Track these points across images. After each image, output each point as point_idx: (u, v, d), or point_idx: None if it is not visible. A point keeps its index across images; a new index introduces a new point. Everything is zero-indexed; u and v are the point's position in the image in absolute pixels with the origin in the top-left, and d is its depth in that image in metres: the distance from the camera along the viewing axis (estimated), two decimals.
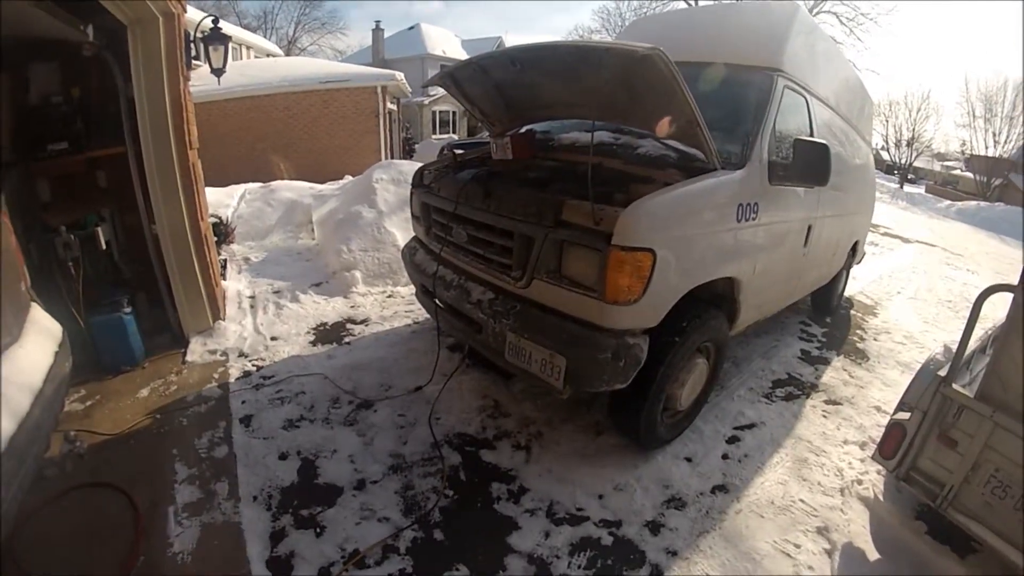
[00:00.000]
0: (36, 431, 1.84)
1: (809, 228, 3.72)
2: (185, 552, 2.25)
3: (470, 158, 3.76)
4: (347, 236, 5.78)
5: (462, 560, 2.29)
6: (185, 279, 3.91)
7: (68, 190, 3.83)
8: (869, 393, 4.06)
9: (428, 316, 4.11)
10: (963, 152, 36.33)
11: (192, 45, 4.00)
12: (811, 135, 3.62)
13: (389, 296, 5.19)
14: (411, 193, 3.74)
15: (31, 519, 2.29)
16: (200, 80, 7.07)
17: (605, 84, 2.72)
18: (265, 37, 31.38)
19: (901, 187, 30.79)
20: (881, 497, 2.88)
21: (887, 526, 2.71)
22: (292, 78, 13.85)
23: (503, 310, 2.75)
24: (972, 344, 2.60)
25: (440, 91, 23.35)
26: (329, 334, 4.34)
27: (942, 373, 2.47)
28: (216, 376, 3.60)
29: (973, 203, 23.63)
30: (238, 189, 8.00)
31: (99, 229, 3.61)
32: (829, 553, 2.50)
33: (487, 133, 4.18)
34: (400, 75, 15.73)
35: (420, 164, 4.08)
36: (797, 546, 2.51)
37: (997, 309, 2.67)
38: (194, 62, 3.99)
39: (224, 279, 4.98)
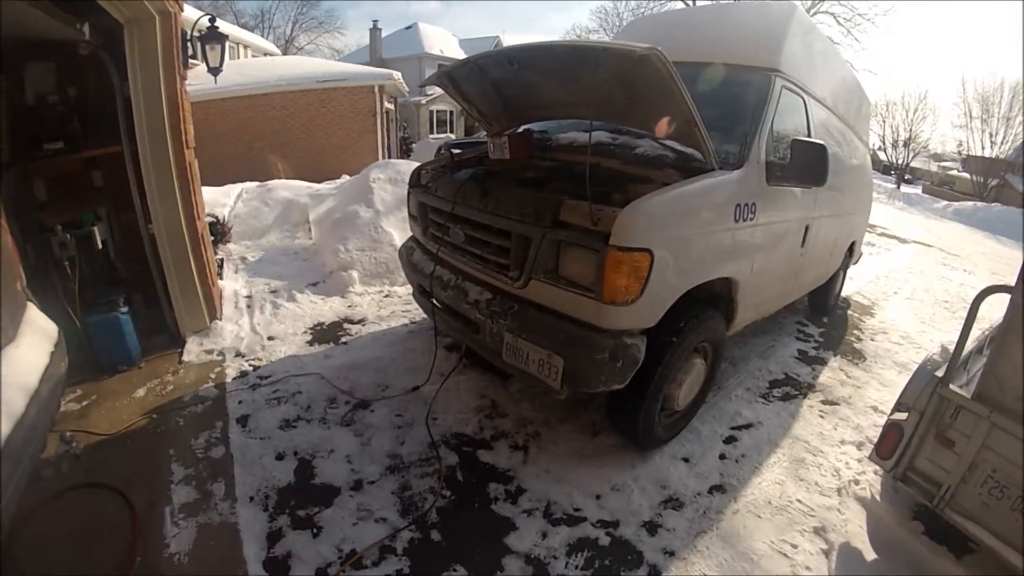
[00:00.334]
0: (32, 432, 1.83)
1: (806, 228, 3.73)
2: (182, 553, 2.24)
3: (467, 158, 3.75)
4: (344, 236, 5.77)
5: (459, 561, 2.29)
6: (182, 278, 3.90)
7: (64, 189, 3.82)
8: (866, 393, 4.07)
9: (425, 316, 4.10)
10: (960, 153, 36.49)
11: (189, 44, 4.00)
12: (808, 135, 3.62)
13: (386, 296, 5.19)
14: (408, 193, 3.73)
15: (28, 520, 2.28)
16: (197, 79, 7.04)
17: (603, 84, 2.72)
18: (262, 36, 31.37)
19: (898, 187, 30.91)
20: (878, 497, 2.88)
21: (884, 526, 2.72)
22: (289, 77, 13.81)
23: (501, 310, 2.75)
24: (969, 345, 2.60)
25: (437, 91, 23.30)
26: (326, 334, 4.33)
27: (939, 374, 2.48)
28: (213, 376, 3.59)
29: (970, 203, 23.72)
30: (235, 188, 7.99)
31: (95, 228, 3.59)
32: (826, 553, 2.51)
33: (484, 133, 4.18)
34: (397, 74, 15.71)
35: (417, 164, 4.07)
36: (794, 546, 2.51)
37: (994, 310, 2.68)
38: (191, 61, 3.99)
39: (221, 279, 4.97)
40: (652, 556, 2.38)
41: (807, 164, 3.00)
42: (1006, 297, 2.24)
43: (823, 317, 5.59)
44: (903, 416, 2.61)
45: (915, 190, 32.05)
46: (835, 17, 26.39)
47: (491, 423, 3.22)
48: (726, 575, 2.34)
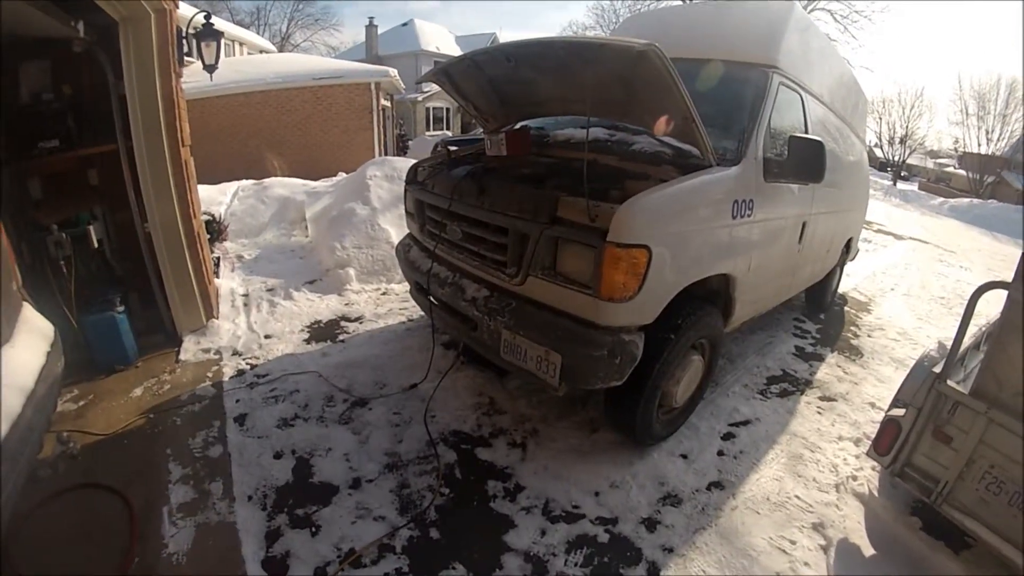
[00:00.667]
0: (28, 432, 1.82)
1: (804, 225, 3.73)
2: (180, 553, 2.23)
3: (464, 154, 3.75)
4: (341, 233, 5.76)
5: (458, 559, 2.29)
6: (178, 277, 3.89)
7: (60, 188, 3.80)
8: (863, 389, 4.08)
9: (423, 313, 4.10)
10: (956, 149, 36.59)
11: (184, 41, 3.97)
12: (806, 132, 3.62)
13: (383, 293, 5.18)
14: (405, 190, 3.72)
15: (25, 521, 2.27)
16: (192, 76, 7.03)
17: (600, 80, 2.71)
18: (258, 33, 31.22)
19: (894, 184, 30.95)
20: (876, 493, 2.89)
21: (882, 522, 2.72)
22: (285, 74, 13.78)
23: (498, 307, 2.74)
24: (966, 341, 2.60)
25: (434, 88, 23.34)
26: (323, 332, 4.33)
27: (937, 370, 2.48)
28: (210, 375, 3.58)
29: (966, 200, 23.81)
30: (231, 186, 7.97)
31: (91, 227, 3.58)
32: (824, 549, 2.51)
33: (481, 130, 4.17)
34: (394, 71, 15.67)
35: (414, 161, 4.07)
36: (793, 542, 2.52)
37: (991, 306, 2.68)
38: (186, 58, 3.97)
39: (217, 277, 4.96)
40: (651, 553, 2.39)
41: (804, 161, 3.00)
42: (1003, 293, 2.24)
43: (820, 313, 5.60)
44: (901, 412, 2.61)
45: (911, 187, 32.14)
46: (832, 14, 26.36)
47: (489, 420, 3.22)
48: (725, 572, 2.34)
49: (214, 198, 7.14)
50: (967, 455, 2.33)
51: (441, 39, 32.92)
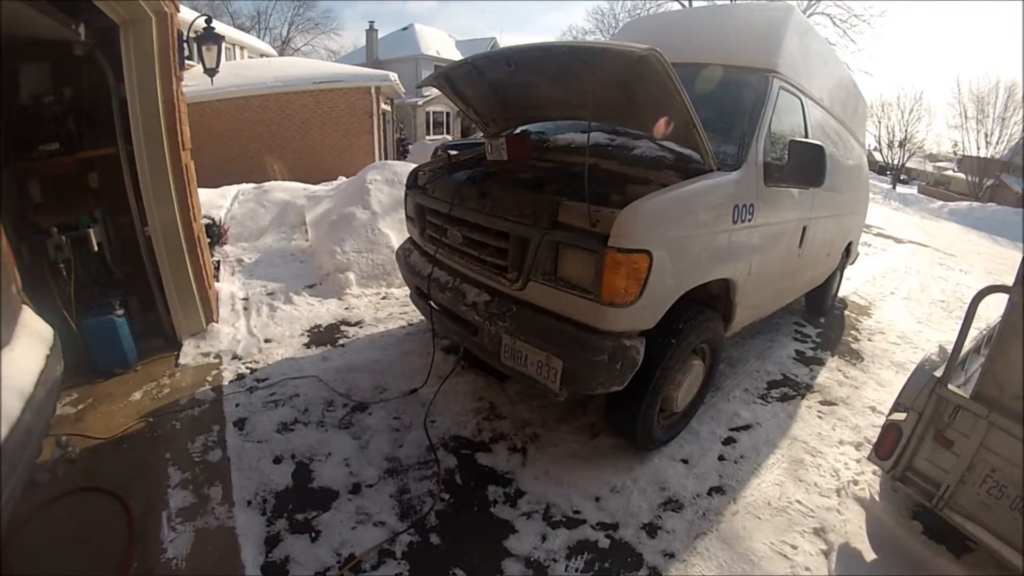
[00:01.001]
0: (27, 436, 1.82)
1: (804, 229, 3.73)
2: (179, 558, 2.22)
3: (465, 159, 3.75)
4: (341, 237, 5.76)
5: (459, 564, 2.28)
6: (178, 281, 3.89)
7: (60, 191, 3.80)
8: (864, 394, 4.07)
9: (423, 318, 4.09)
10: (955, 153, 36.62)
11: (185, 45, 3.97)
12: (806, 136, 3.63)
13: (383, 298, 5.17)
14: (406, 194, 3.72)
15: (24, 525, 2.26)
16: (193, 80, 7.05)
17: (601, 85, 2.71)
18: (259, 37, 31.30)
19: (894, 188, 31.04)
20: (877, 497, 2.88)
21: (883, 526, 2.72)
22: (286, 78, 13.80)
23: (499, 312, 2.74)
24: (967, 344, 2.60)
25: (434, 92, 23.31)
26: (323, 336, 4.32)
27: (938, 374, 2.48)
28: (209, 379, 3.57)
29: (965, 203, 23.82)
30: (231, 190, 7.96)
31: (91, 230, 3.57)
32: (826, 554, 2.51)
33: (481, 134, 4.17)
34: (394, 76, 15.70)
35: (414, 165, 4.07)
36: (794, 547, 2.51)
37: (991, 309, 2.68)
38: (187, 62, 3.97)
39: (217, 281, 4.95)
40: (652, 558, 2.38)
41: (805, 165, 3.00)
42: (1003, 297, 2.24)
43: (820, 317, 5.60)
44: (901, 416, 2.61)
45: (911, 190, 32.17)
46: (831, 18, 26.54)
47: (489, 425, 3.22)
48: None
49: (214, 202, 7.14)
50: (968, 459, 2.33)
51: (441, 43, 32.97)
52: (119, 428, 3.02)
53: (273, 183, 8.77)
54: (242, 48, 20.22)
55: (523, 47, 2.89)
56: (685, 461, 3.03)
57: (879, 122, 36.19)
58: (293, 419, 3.18)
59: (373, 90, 14.66)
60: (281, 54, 31.42)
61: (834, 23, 26.54)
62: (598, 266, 2.32)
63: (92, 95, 3.80)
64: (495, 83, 3.51)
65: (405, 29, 33.15)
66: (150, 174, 3.63)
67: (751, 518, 2.67)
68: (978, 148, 32.40)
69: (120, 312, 3.53)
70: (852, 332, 5.43)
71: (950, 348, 2.50)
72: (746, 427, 3.42)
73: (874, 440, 2.76)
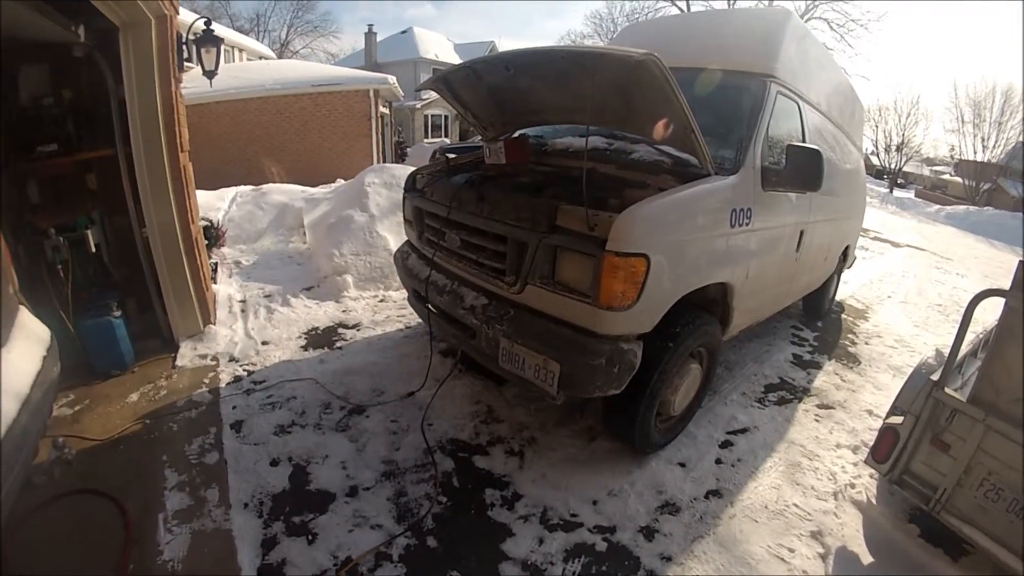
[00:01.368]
0: (24, 437, 1.81)
1: (801, 233, 3.74)
2: (175, 560, 2.22)
3: (463, 162, 3.75)
4: (339, 240, 5.75)
5: (456, 567, 2.27)
6: (175, 283, 3.88)
7: (58, 192, 3.79)
8: (861, 397, 4.08)
9: (420, 321, 4.09)
10: (952, 157, 36.81)
11: (184, 47, 3.97)
12: (803, 141, 3.64)
13: (381, 300, 5.17)
14: (404, 197, 3.73)
15: (20, 527, 2.25)
16: (192, 82, 7.04)
17: (599, 89, 2.72)
18: (257, 40, 31.35)
19: (891, 191, 31.11)
20: (874, 501, 2.89)
21: (880, 529, 2.72)
22: (284, 81, 13.81)
23: (497, 315, 2.74)
24: (964, 348, 2.61)
25: (432, 95, 23.40)
26: (320, 339, 4.32)
27: (935, 377, 2.49)
28: (206, 381, 3.57)
29: (962, 207, 23.91)
30: (229, 192, 7.96)
31: (89, 232, 3.56)
32: (823, 557, 2.51)
33: (480, 137, 4.18)
34: (392, 79, 15.72)
35: (412, 168, 4.07)
36: (791, 550, 2.51)
37: (987, 313, 2.69)
38: (186, 64, 3.97)
39: (215, 283, 4.95)
40: (649, 562, 2.38)
41: (802, 169, 3.01)
42: (1000, 300, 2.25)
43: (818, 321, 5.61)
44: (898, 420, 2.62)
45: (908, 194, 32.25)
46: (829, 23, 26.71)
47: (487, 428, 3.21)
48: None
49: (212, 204, 7.14)
50: (965, 462, 2.34)
51: (440, 47, 33.02)
52: (116, 430, 3.01)
53: (271, 185, 8.78)
54: (241, 50, 20.25)
55: (522, 51, 2.90)
56: (682, 465, 3.03)
57: (876, 126, 36.43)
58: (290, 421, 3.17)
59: (372, 93, 14.68)
60: (280, 56, 31.45)
61: (831, 28, 26.74)
62: (596, 270, 2.33)
63: (91, 97, 3.79)
64: (494, 87, 3.52)
65: (404, 33, 33.21)
66: (148, 176, 3.62)
67: (748, 521, 2.67)
68: (975, 152, 32.64)
69: (117, 313, 3.52)
70: (849, 336, 5.45)
71: (947, 352, 2.51)
72: (743, 431, 3.42)
73: (871, 443, 2.77)
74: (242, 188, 8.35)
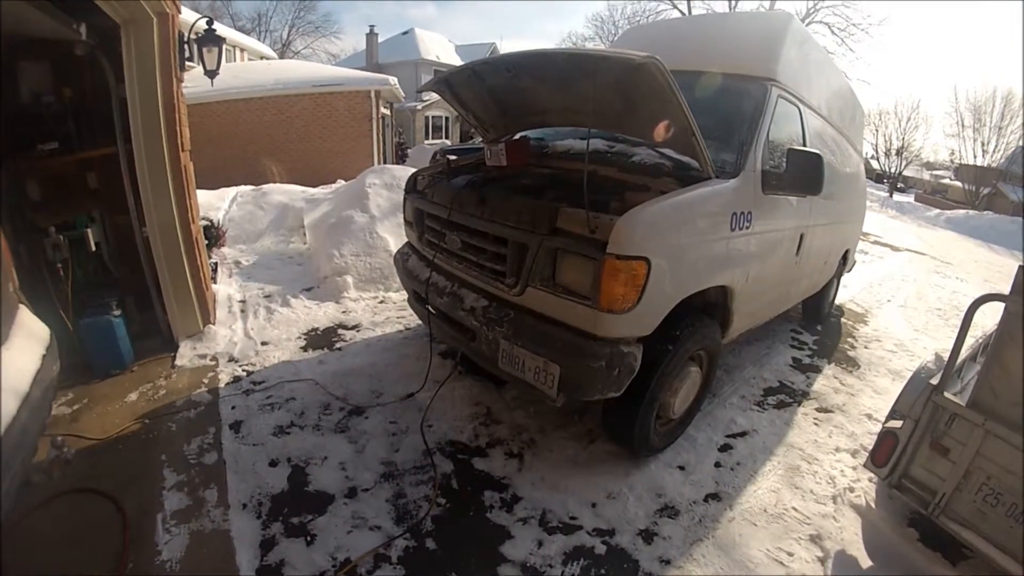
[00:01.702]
0: (23, 436, 1.81)
1: (801, 236, 3.74)
2: (174, 560, 2.21)
3: (464, 164, 3.75)
4: (339, 241, 5.76)
5: (454, 569, 2.27)
6: (175, 282, 3.88)
7: (59, 191, 3.79)
8: (860, 401, 4.08)
9: (420, 322, 4.09)
10: (952, 161, 36.89)
11: (186, 46, 3.98)
12: (804, 144, 3.64)
13: (381, 302, 5.17)
14: (404, 199, 3.73)
15: (18, 526, 2.24)
16: (193, 81, 7.04)
17: (600, 92, 2.72)
18: (259, 39, 31.38)
19: (891, 196, 31.19)
20: (873, 505, 2.88)
21: (879, 533, 2.72)
22: (286, 81, 13.81)
23: (497, 317, 2.74)
24: (963, 352, 2.61)
25: (433, 96, 23.40)
26: (320, 339, 4.31)
27: (934, 381, 2.49)
28: (206, 381, 3.56)
29: (962, 212, 23.96)
30: (230, 192, 7.98)
31: (89, 231, 3.57)
32: (822, 561, 2.50)
33: (480, 139, 4.18)
34: (394, 80, 15.71)
35: (413, 169, 4.07)
36: (790, 554, 2.51)
37: (987, 317, 2.69)
38: (187, 63, 3.97)
39: (215, 283, 4.95)
40: (648, 565, 2.37)
41: (803, 173, 3.02)
42: (999, 305, 2.25)
43: (817, 325, 5.61)
44: (898, 424, 2.62)
45: (908, 198, 32.36)
46: (830, 27, 26.77)
47: (486, 430, 3.21)
48: None
49: (212, 203, 7.15)
50: (964, 467, 2.33)
51: (441, 48, 33.03)
52: (115, 429, 3.01)
53: (272, 186, 8.79)
54: (242, 50, 20.24)
55: (523, 53, 2.90)
56: (682, 468, 3.03)
57: (876, 130, 36.55)
58: (289, 422, 3.17)
59: (373, 94, 14.67)
60: (281, 56, 31.51)
61: (832, 32, 26.79)
62: (596, 273, 2.33)
63: (92, 95, 3.79)
64: (495, 89, 3.52)
65: (405, 33, 33.21)
66: (149, 175, 3.62)
67: (747, 525, 2.67)
68: (975, 157, 32.71)
69: (117, 313, 3.52)
70: (849, 339, 5.45)
71: (946, 356, 2.51)
72: (743, 434, 3.42)
73: (870, 447, 2.76)
74: (243, 188, 8.36)
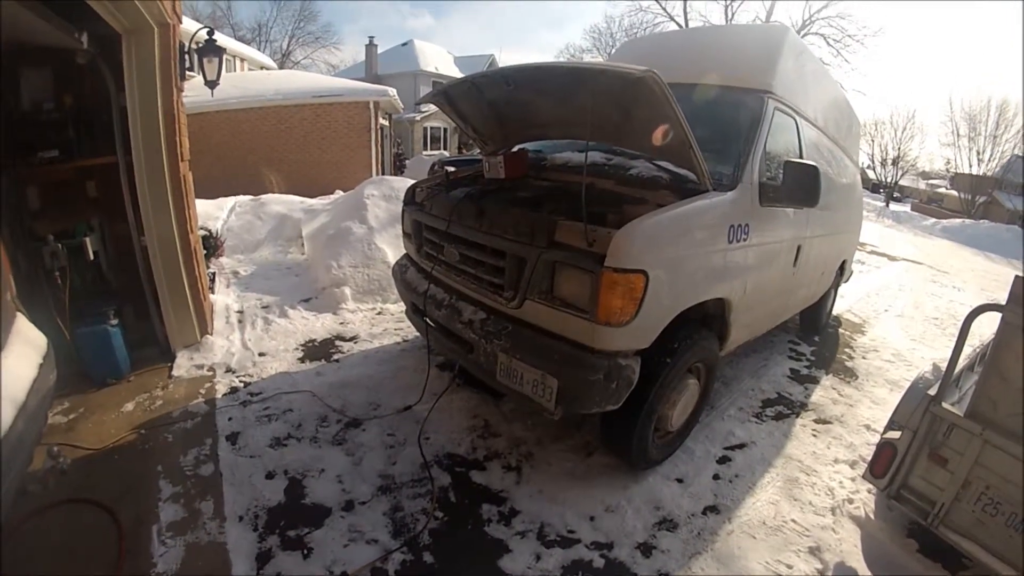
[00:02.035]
0: (19, 445, 1.80)
1: (799, 248, 3.76)
2: (169, 572, 2.20)
3: (462, 176, 3.77)
4: (337, 252, 5.76)
5: None
6: (173, 292, 3.87)
7: (57, 199, 3.78)
8: (858, 412, 4.08)
9: (418, 334, 4.08)
10: (948, 170, 37.12)
11: (186, 56, 3.99)
12: (800, 156, 3.67)
13: (379, 313, 5.16)
14: (403, 211, 3.73)
15: (13, 535, 2.23)
16: (193, 91, 7.06)
17: (599, 105, 2.74)
18: (259, 50, 31.50)
19: (887, 205, 31.34)
20: (872, 516, 2.88)
21: (879, 544, 2.71)
22: (285, 91, 13.87)
23: (495, 330, 2.74)
24: (961, 362, 2.62)
25: (432, 108, 23.50)
26: (318, 351, 4.30)
27: (932, 392, 2.49)
28: (203, 392, 3.55)
29: (958, 221, 24.07)
30: (228, 201, 7.98)
31: (87, 239, 3.57)
32: (821, 573, 2.49)
33: (478, 150, 4.20)
34: (393, 91, 15.79)
35: (411, 181, 4.08)
36: (789, 566, 2.50)
37: (984, 327, 2.70)
38: (188, 73, 3.99)
39: (212, 293, 4.94)
40: None
41: (800, 185, 3.03)
42: (997, 314, 2.26)
43: (815, 336, 5.62)
44: (896, 435, 2.62)
45: (904, 208, 32.50)
46: (825, 39, 26.94)
47: (484, 443, 3.20)
48: None
49: (211, 213, 7.14)
50: (963, 476, 2.34)
51: (440, 59, 33.20)
52: (111, 439, 2.99)
53: (270, 196, 8.80)
54: (243, 60, 20.37)
55: (522, 66, 2.92)
56: (680, 480, 3.02)
57: (872, 141, 36.75)
58: (286, 434, 3.15)
59: (372, 105, 14.73)
60: (281, 67, 31.64)
61: (828, 43, 26.95)
62: (594, 286, 2.33)
63: (93, 103, 3.80)
64: (494, 101, 3.54)
65: (404, 45, 33.40)
66: (148, 184, 3.63)
67: (746, 537, 2.66)
68: (970, 166, 32.95)
69: (114, 322, 3.51)
70: (846, 350, 5.45)
71: (944, 366, 2.52)
72: (741, 446, 3.41)
73: (869, 458, 2.76)
74: (241, 198, 8.36)
